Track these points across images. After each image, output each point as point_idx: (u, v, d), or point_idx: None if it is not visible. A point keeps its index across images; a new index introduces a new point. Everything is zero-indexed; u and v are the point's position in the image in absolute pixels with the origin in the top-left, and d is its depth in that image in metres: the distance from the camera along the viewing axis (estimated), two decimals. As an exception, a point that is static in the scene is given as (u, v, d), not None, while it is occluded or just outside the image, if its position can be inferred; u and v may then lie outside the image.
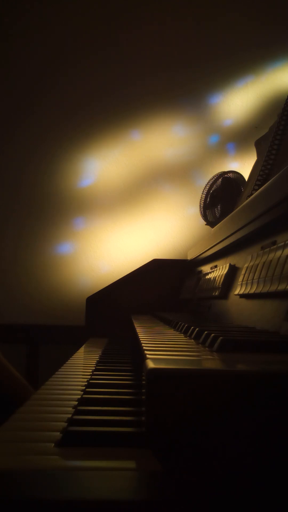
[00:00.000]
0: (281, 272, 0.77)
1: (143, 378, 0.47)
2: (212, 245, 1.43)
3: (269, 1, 2.45)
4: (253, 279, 0.91)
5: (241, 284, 0.99)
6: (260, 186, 1.33)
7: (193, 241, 2.32)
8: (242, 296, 1.01)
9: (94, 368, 1.00)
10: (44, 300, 2.34)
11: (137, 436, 0.52)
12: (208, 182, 2.03)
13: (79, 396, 0.71)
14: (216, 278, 1.28)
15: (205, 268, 1.63)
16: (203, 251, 1.59)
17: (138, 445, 0.50)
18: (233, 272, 1.18)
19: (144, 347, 0.59)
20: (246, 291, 0.94)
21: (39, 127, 2.41)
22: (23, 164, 2.40)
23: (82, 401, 0.68)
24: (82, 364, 1.12)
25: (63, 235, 2.38)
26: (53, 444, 0.50)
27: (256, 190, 1.24)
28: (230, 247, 1.26)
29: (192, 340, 0.72)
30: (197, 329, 0.74)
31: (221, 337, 0.57)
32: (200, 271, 1.70)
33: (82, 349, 1.44)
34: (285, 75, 2.44)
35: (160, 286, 2.11)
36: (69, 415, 0.60)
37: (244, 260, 1.07)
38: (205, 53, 2.43)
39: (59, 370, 0.99)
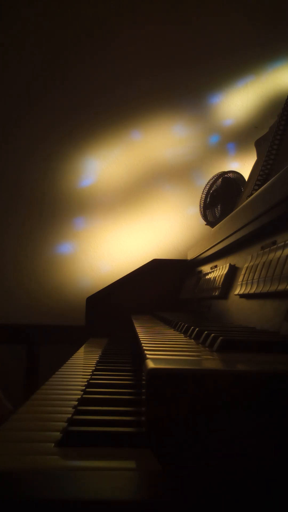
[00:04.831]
0: (281, 272, 0.77)
1: (143, 378, 0.47)
2: (212, 245, 1.43)
3: (269, 1, 2.45)
4: (253, 279, 0.91)
5: (241, 284, 0.99)
6: (260, 186, 1.33)
7: (193, 241, 2.32)
8: (242, 296, 1.01)
9: (94, 368, 1.00)
10: (44, 300, 2.34)
11: (137, 436, 0.52)
12: (208, 182, 2.03)
13: (79, 396, 0.71)
14: (216, 278, 1.28)
15: (205, 268, 1.63)
16: (203, 251, 1.59)
17: (138, 445, 0.50)
18: (233, 272, 1.18)
19: (144, 347, 0.59)
20: (246, 291, 0.94)
21: (39, 127, 2.41)
22: (23, 164, 2.40)
23: (82, 401, 0.68)
24: (82, 364, 1.12)
25: (63, 235, 2.38)
26: (53, 444, 0.51)
27: (256, 190, 1.24)
28: (230, 247, 1.26)
29: (192, 340, 0.72)
30: (197, 329, 0.74)
31: (221, 337, 0.57)
32: (200, 271, 1.70)
33: (82, 349, 1.44)
34: (285, 75, 2.44)
35: (160, 286, 2.11)
36: (69, 415, 0.60)
37: (244, 260, 1.07)
38: (205, 53, 2.43)
39: (59, 370, 0.99)
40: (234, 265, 1.18)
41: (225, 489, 0.38)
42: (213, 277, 1.33)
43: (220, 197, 1.95)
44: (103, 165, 2.42)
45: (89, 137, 2.42)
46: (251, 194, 1.26)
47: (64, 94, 2.42)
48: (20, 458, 0.47)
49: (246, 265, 1.01)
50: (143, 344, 0.64)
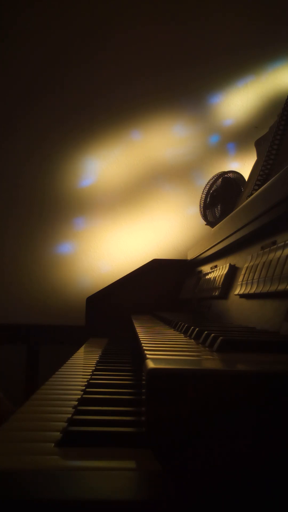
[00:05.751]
0: (281, 272, 0.77)
1: (143, 378, 0.47)
2: (212, 245, 1.43)
3: (269, 1, 2.45)
4: (253, 279, 0.91)
5: (241, 284, 0.99)
6: (260, 186, 1.33)
7: (193, 241, 2.32)
8: (242, 296, 1.01)
9: (94, 368, 1.00)
10: (44, 300, 2.34)
11: (137, 436, 0.52)
12: (208, 182, 2.03)
13: (79, 396, 0.71)
14: (216, 278, 1.28)
15: (205, 268, 1.63)
16: (203, 251, 1.59)
17: (138, 445, 0.50)
18: (233, 272, 1.18)
19: (144, 347, 0.59)
20: (246, 291, 0.94)
21: (39, 127, 2.41)
22: (23, 164, 2.40)
23: (82, 401, 0.68)
24: (82, 364, 1.12)
25: (63, 235, 2.38)
26: (53, 444, 0.50)
27: (256, 190, 1.24)
28: (230, 247, 1.26)
29: (192, 340, 0.72)
30: (197, 329, 0.74)
31: (221, 337, 0.57)
32: (200, 271, 1.70)
33: (82, 349, 1.44)
34: (285, 75, 2.44)
35: (160, 286, 2.11)
36: (69, 415, 0.60)
37: (244, 260, 1.07)
38: (205, 53, 2.43)
39: (59, 370, 0.99)
40: (234, 265, 1.18)
41: (225, 489, 0.38)
42: (213, 277, 1.33)
43: (220, 197, 1.95)
44: (103, 165, 2.42)
45: (89, 137, 2.42)
46: (251, 194, 1.26)
47: (64, 94, 2.42)
48: (20, 458, 0.47)
49: (246, 265, 1.01)
50: (143, 344, 0.64)
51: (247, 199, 1.15)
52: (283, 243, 0.82)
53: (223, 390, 0.39)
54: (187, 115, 2.44)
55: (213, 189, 1.99)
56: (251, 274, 0.94)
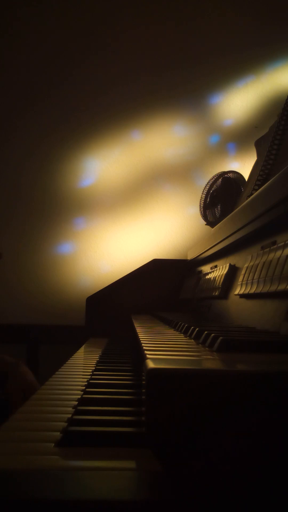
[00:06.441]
0: (281, 272, 0.77)
1: (143, 378, 0.47)
2: (212, 245, 1.43)
3: (269, 1, 2.45)
4: (253, 279, 0.91)
5: (241, 284, 0.99)
6: (260, 186, 1.33)
7: (193, 241, 2.32)
8: (242, 296, 1.01)
9: (94, 368, 1.00)
10: (44, 300, 2.34)
11: (137, 436, 0.52)
12: (208, 182, 2.03)
13: (79, 396, 0.71)
14: (216, 278, 1.28)
15: (205, 268, 1.63)
16: (203, 251, 1.59)
17: (138, 445, 0.50)
18: (233, 272, 1.18)
19: (144, 347, 0.60)
20: (246, 291, 0.94)
21: (39, 127, 2.41)
22: (23, 164, 2.40)
23: (82, 401, 0.68)
24: (82, 364, 1.12)
25: (63, 235, 2.38)
26: (53, 444, 0.51)
27: (256, 190, 1.24)
28: (230, 247, 1.26)
29: (192, 340, 0.72)
30: (197, 329, 0.74)
31: (221, 337, 0.57)
32: (200, 271, 1.70)
33: (82, 349, 1.44)
34: (285, 75, 2.44)
35: (160, 286, 2.11)
36: (69, 415, 0.60)
37: (244, 260, 1.07)
38: (205, 53, 2.43)
39: (59, 370, 0.99)
40: (234, 265, 1.18)
41: (225, 489, 0.38)
42: (213, 277, 1.33)
43: (220, 197, 1.95)
44: (103, 165, 2.42)
45: (89, 137, 2.42)
46: (251, 194, 1.26)
47: (64, 94, 2.42)
48: (20, 458, 0.47)
49: (246, 265, 1.01)
50: (143, 344, 0.64)
51: (247, 199, 1.15)
52: (283, 243, 0.82)
53: (223, 390, 0.39)
54: (187, 115, 2.44)
55: (213, 189, 1.99)
56: (251, 274, 0.94)
